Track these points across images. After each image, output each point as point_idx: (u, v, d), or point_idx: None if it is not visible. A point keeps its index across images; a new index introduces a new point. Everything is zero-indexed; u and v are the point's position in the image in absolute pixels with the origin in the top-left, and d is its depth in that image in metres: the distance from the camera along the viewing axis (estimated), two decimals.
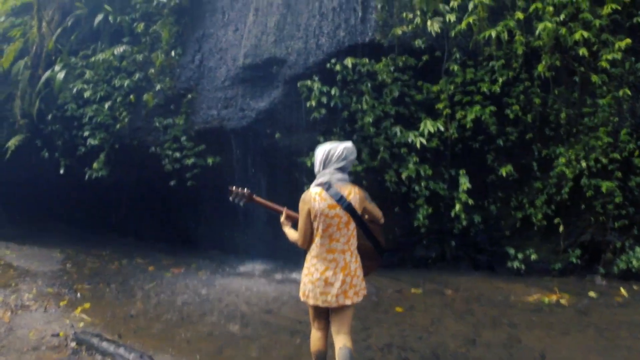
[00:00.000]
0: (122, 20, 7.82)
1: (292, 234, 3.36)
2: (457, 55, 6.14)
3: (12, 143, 8.53)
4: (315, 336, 3.31)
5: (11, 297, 5.59)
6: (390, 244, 6.88)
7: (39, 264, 7.20)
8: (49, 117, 8.34)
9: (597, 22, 5.77)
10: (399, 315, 5.13)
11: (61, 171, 8.19)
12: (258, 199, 3.59)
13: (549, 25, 5.64)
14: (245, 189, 3.62)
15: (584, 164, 5.90)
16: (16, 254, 7.81)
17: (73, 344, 4.32)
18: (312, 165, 6.44)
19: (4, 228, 10.17)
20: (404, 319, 4.99)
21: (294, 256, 6.96)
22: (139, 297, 5.79)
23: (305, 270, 3.24)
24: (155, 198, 8.31)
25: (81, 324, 4.82)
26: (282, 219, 3.49)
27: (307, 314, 3.50)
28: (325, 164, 3.17)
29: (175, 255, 7.89)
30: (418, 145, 6.10)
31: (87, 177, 7.76)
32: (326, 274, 3.14)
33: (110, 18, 7.86)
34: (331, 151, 3.16)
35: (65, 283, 6.29)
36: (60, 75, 8.01)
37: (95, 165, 7.66)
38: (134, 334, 4.63)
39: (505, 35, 5.87)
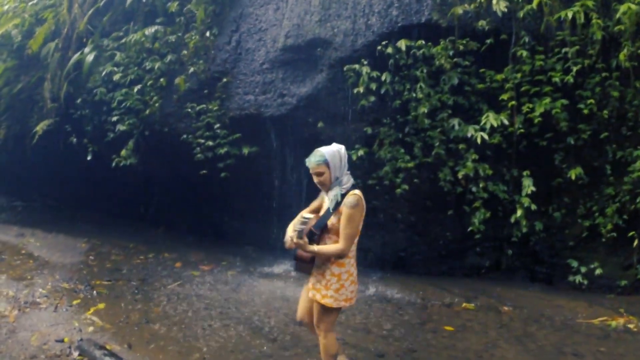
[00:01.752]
0: (156, 0, 7.62)
1: (330, 248, 3.25)
2: (526, 40, 5.78)
3: (40, 127, 8.43)
4: (335, 338, 3.51)
5: (23, 292, 5.40)
6: (440, 250, 6.59)
7: (61, 255, 7.03)
8: (78, 101, 8.26)
9: None
10: (448, 335, 4.74)
11: (88, 157, 8.08)
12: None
13: (632, 7, 5.26)
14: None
15: None
16: (40, 242, 7.69)
17: (76, 354, 4.01)
18: (359, 159, 6.07)
19: (35, 213, 10.21)
20: (454, 341, 4.59)
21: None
22: (160, 299, 5.47)
23: (345, 275, 3.30)
24: (187, 189, 8.11)
25: (90, 329, 4.54)
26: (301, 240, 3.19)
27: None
28: (344, 164, 3.30)
29: (206, 251, 7.59)
30: (478, 140, 5.75)
31: (114, 164, 7.60)
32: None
33: None
34: (343, 151, 3.32)
35: (84, 278, 6.08)
36: (90, 58, 7.87)
37: (123, 152, 7.50)
38: (145, 345, 4.26)
39: (581, 18, 5.47)
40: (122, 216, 9.36)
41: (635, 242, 5.57)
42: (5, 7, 10.09)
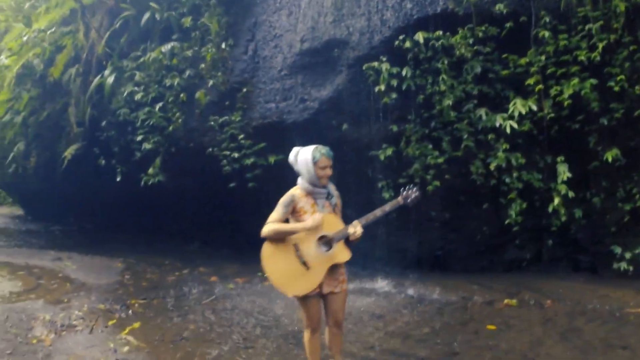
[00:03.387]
0: (170, 17, 7.68)
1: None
2: (547, 19, 5.59)
3: (69, 152, 8.66)
4: None
5: (60, 315, 5.39)
6: (478, 246, 6.47)
7: (97, 276, 7.08)
8: (103, 123, 8.41)
9: None
10: (491, 335, 4.57)
11: (118, 178, 8.23)
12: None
13: None
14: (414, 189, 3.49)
15: None
16: (77, 265, 7.78)
17: None
18: (387, 158, 5.97)
19: (71, 237, 10.44)
20: (497, 341, 4.41)
21: (368, 262, 6.42)
22: (195, 315, 5.43)
23: None
24: (218, 202, 8.15)
25: (125, 348, 4.49)
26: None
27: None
28: None
29: (241, 263, 7.57)
30: (508, 129, 5.57)
31: (143, 183, 7.68)
32: None
33: (157, 15, 7.73)
34: None
35: (120, 298, 6.11)
36: (110, 80, 8.00)
37: (150, 170, 7.59)
38: None
39: None
40: (156, 234, 9.48)
41: None
42: (25, 38, 10.36)
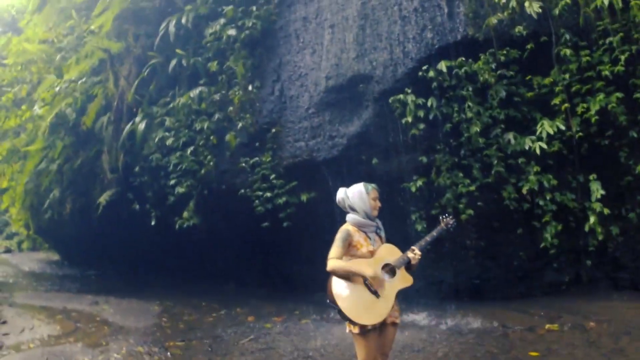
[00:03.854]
0: (196, 62, 7.90)
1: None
2: (567, 37, 5.62)
3: (104, 198, 8.89)
4: None
5: (98, 358, 5.44)
6: (515, 272, 6.38)
7: (135, 319, 7.14)
8: (136, 169, 8.60)
9: None
10: None
11: (152, 223, 8.35)
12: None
13: None
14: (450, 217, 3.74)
15: None
16: (114, 308, 7.87)
17: None
18: (418, 190, 5.97)
19: (108, 281, 10.57)
20: None
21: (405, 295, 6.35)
22: (233, 355, 5.41)
23: None
24: (253, 242, 8.19)
25: None
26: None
27: None
28: None
29: (278, 302, 7.59)
30: (537, 151, 5.55)
31: (177, 226, 7.78)
32: None
33: (184, 62, 7.97)
34: None
35: (158, 340, 6.13)
36: (141, 126, 8.22)
37: (185, 214, 7.70)
38: None
39: (619, 2, 5.25)
40: (193, 276, 9.52)
41: None
42: (57, 89, 10.81)
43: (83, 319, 7.15)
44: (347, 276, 3.16)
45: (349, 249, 3.26)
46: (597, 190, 5.56)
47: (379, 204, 3.36)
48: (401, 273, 3.27)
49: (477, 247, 6.23)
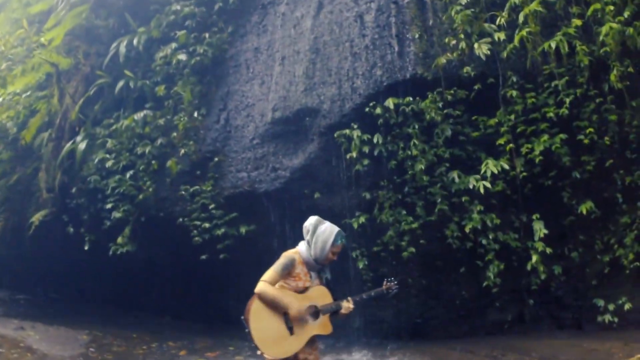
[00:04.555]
0: (144, 85, 7.76)
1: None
2: (514, 79, 5.81)
3: (37, 218, 8.38)
4: None
5: None
6: (458, 311, 6.39)
7: (61, 348, 6.77)
8: (74, 190, 8.23)
9: None
10: None
11: (86, 247, 7.97)
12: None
13: (614, 26, 5.25)
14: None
15: None
16: (40, 335, 7.39)
17: None
18: (360, 226, 5.93)
19: (37, 306, 9.94)
20: None
21: (345, 333, 6.25)
22: None
23: None
24: (189, 273, 7.96)
25: None
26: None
27: None
28: None
29: (213, 337, 7.33)
30: (481, 190, 5.64)
31: (111, 253, 7.47)
32: None
33: (132, 84, 7.79)
34: None
35: None
36: (82, 146, 7.91)
37: (120, 239, 7.37)
38: None
39: (565, 47, 5.46)
40: (126, 306, 9.15)
41: None
42: (0, 100, 10.33)
43: (6, 345, 6.68)
44: (272, 305, 3.05)
45: (287, 277, 3.15)
46: (540, 229, 5.67)
47: (335, 258, 3.24)
48: (324, 319, 3.19)
49: (420, 285, 6.21)
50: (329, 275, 3.36)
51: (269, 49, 7.05)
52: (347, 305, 3.25)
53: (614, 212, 5.75)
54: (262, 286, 3.05)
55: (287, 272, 3.13)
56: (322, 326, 3.19)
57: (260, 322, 3.04)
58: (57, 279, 10.27)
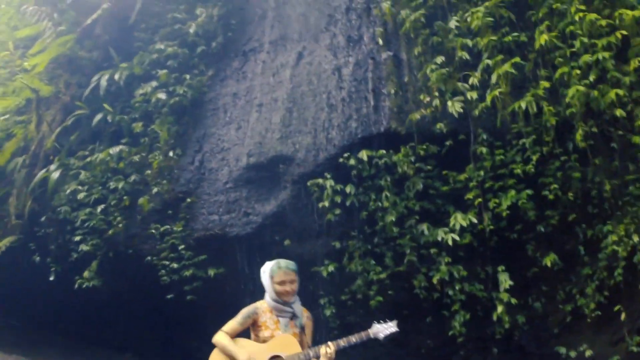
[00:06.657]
0: (122, 120, 7.77)
1: None
2: (484, 137, 5.90)
3: (3, 244, 8.20)
4: None
5: None
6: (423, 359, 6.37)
7: None
8: (43, 219, 8.12)
9: (627, 79, 5.42)
10: None
11: (51, 278, 7.86)
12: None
13: (580, 88, 5.38)
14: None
15: (636, 239, 5.36)
16: None
17: None
18: (329, 275, 5.97)
19: None
20: None
21: None
22: None
23: None
24: (155, 312, 7.79)
25: None
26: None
27: None
28: None
29: None
30: (450, 242, 5.69)
31: (76, 286, 7.36)
32: None
33: (109, 117, 7.79)
34: None
35: None
36: (55, 175, 7.83)
37: (86, 273, 7.26)
38: None
39: (533, 108, 5.63)
40: (87, 340, 8.90)
41: (623, 315, 5.39)
42: None
43: None
44: (226, 354, 3.05)
45: (254, 327, 3.12)
46: (505, 281, 5.69)
47: (288, 288, 3.15)
48: None
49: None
50: (304, 321, 3.25)
51: (248, 94, 7.14)
52: (325, 351, 3.10)
53: (576, 264, 5.81)
54: (217, 336, 3.09)
55: (250, 320, 3.12)
56: None
57: None
58: (21, 309, 9.95)
